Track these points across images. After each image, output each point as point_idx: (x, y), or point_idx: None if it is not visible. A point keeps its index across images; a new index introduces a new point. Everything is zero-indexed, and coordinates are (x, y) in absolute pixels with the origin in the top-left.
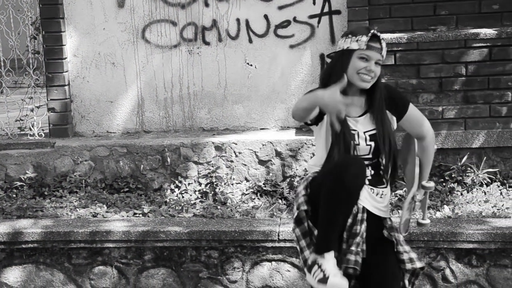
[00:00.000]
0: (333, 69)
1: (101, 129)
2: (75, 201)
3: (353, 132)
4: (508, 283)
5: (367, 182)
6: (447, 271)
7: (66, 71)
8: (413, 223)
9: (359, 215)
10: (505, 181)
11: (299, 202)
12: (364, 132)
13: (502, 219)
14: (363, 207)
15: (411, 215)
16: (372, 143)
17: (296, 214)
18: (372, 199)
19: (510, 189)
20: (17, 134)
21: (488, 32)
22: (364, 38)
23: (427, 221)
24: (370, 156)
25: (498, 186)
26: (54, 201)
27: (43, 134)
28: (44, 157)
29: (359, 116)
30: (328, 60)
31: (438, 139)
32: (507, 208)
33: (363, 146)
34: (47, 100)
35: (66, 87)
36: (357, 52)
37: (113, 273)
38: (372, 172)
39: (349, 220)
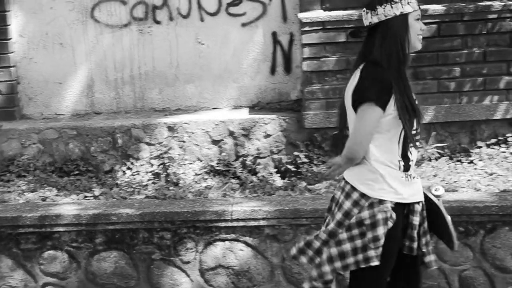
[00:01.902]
0: (390, 39)
1: (50, 111)
2: (23, 185)
3: None
4: (454, 255)
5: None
6: None
7: (12, 52)
8: None
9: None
10: (453, 156)
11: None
12: None
13: (450, 193)
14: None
15: None
16: None
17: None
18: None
19: (458, 163)
20: None
21: (436, 8)
22: None
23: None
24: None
25: (446, 161)
26: (1, 185)
27: None
28: None
29: None
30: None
31: None
32: (455, 182)
33: None
34: None
35: (12, 69)
36: (412, 15)
37: (63, 257)
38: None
39: (418, 219)
